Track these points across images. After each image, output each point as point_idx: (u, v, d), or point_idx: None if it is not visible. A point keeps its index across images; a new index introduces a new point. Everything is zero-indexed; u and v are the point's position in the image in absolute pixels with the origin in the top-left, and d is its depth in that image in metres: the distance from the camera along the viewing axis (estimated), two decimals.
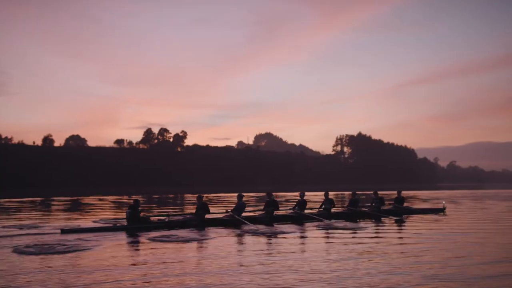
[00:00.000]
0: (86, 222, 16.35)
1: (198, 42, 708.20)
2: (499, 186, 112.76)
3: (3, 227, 14.48)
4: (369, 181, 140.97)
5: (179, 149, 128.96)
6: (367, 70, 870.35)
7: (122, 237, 12.28)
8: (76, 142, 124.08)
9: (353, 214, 17.62)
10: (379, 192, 19.57)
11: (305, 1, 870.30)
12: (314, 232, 13.17)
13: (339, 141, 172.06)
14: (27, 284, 6.73)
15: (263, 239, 11.76)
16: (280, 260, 8.60)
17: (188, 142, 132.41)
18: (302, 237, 12.51)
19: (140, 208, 14.16)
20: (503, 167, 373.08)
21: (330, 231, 13.44)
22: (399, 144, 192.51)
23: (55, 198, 43.52)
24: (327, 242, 11.43)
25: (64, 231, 12.67)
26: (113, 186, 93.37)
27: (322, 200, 17.99)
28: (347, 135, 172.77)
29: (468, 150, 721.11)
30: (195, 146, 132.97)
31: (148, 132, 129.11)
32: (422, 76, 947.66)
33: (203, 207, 14.83)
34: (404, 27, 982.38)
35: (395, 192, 20.50)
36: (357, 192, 19.36)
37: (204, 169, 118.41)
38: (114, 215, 20.21)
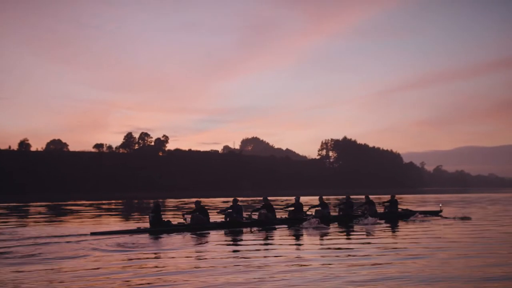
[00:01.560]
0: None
1: (186, 47, 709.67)
2: (485, 190, 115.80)
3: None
4: (354, 185, 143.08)
5: (160, 154, 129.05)
6: (355, 75, 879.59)
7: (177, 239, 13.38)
8: (57, 147, 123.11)
9: (348, 217, 18.68)
10: (352, 196, 20.70)
11: (293, 6, 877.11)
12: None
13: (324, 145, 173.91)
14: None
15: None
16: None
17: (178, 146, 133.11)
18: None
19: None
20: (490, 171, 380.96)
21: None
22: (385, 148, 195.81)
23: (31, 204, 43.78)
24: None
25: (93, 233, 13.73)
26: (91, 191, 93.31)
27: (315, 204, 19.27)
28: (332, 140, 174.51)
29: (455, 155, 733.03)
30: (177, 150, 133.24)
31: (129, 137, 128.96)
32: (409, 81, 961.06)
33: (201, 211, 15.76)
34: (391, 33, 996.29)
35: (389, 196, 21.66)
36: (351, 197, 19.98)
37: (185, 174, 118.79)
38: (81, 224, 20.88)
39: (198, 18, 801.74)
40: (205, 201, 47.68)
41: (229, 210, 16.42)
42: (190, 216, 15.57)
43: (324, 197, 19.22)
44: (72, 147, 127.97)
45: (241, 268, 8.49)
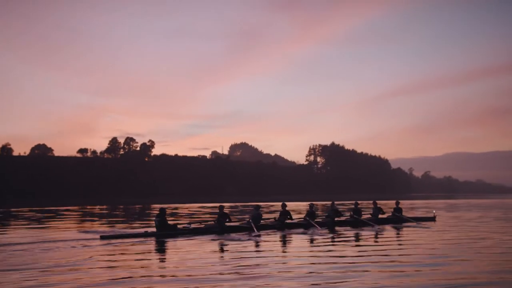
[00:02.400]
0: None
1: (176, 53, 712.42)
2: (473, 196, 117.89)
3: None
4: (342, 191, 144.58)
5: (146, 159, 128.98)
6: (344, 82, 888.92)
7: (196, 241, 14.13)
8: (42, 152, 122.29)
9: (355, 222, 19.75)
10: (337, 202, 21.68)
11: (283, 13, 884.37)
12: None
13: (312, 151, 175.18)
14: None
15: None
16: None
17: (168, 151, 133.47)
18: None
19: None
20: (478, 177, 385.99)
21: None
22: (374, 154, 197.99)
23: (12, 209, 43.77)
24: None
25: (103, 237, 14.31)
26: (75, 196, 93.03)
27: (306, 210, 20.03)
28: (320, 145, 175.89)
29: (444, 161, 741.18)
30: (163, 155, 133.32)
31: (114, 142, 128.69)
32: (398, 87, 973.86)
33: (224, 216, 16.64)
34: (380, 40, 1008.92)
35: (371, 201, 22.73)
36: (335, 202, 21.12)
37: (171, 179, 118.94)
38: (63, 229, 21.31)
39: (187, 24, 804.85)
40: (191, 206, 48.18)
41: (248, 220, 17.43)
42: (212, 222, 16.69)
43: (309, 203, 20.03)
44: (58, 152, 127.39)
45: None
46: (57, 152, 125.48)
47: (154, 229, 15.61)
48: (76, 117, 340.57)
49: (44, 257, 10.77)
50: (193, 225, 16.59)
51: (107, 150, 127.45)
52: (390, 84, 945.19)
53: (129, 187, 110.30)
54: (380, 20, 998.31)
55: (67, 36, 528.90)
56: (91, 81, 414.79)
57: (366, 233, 16.48)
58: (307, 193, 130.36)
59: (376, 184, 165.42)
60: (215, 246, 13.14)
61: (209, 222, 17.12)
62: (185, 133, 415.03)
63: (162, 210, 15.70)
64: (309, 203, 21.00)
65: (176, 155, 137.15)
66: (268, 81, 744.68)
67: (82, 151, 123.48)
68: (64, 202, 64.32)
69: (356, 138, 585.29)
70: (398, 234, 16.65)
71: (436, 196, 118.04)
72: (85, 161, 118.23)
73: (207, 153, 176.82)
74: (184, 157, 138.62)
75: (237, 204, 52.82)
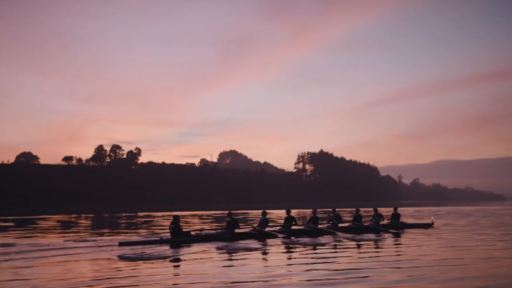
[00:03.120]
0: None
1: (166, 60, 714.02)
2: (461, 204, 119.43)
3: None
4: (330, 198, 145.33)
5: (133, 167, 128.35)
6: (335, 89, 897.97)
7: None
8: (27, 160, 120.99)
9: (357, 229, 20.40)
10: (337, 209, 22.38)
11: (274, 20, 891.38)
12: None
13: (301, 158, 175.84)
14: None
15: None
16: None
17: (158, 159, 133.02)
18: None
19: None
20: (466, 184, 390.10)
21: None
22: (364, 161, 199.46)
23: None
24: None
25: (121, 244, 14.97)
26: (59, 204, 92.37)
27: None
28: (309, 153, 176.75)
29: (433, 168, 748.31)
30: (150, 163, 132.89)
31: (100, 149, 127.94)
32: (388, 95, 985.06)
33: (233, 223, 17.21)
34: (370, 48, 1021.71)
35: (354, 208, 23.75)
36: (318, 210, 21.52)
37: (158, 187, 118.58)
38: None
39: (178, 31, 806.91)
40: (176, 214, 48.18)
41: (255, 226, 18.20)
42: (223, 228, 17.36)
43: (298, 210, 20.34)
44: (45, 160, 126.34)
45: None
46: (43, 160, 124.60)
47: (168, 236, 16.23)
48: (65, 125, 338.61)
49: (77, 266, 11.06)
50: (204, 232, 17.17)
51: (93, 158, 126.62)
52: (380, 92, 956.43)
53: (115, 195, 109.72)
54: (370, 28, 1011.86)
55: (57, 43, 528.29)
56: (81, 88, 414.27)
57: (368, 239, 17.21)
58: (295, 201, 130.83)
59: (364, 192, 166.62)
60: (225, 253, 13.50)
61: (218, 230, 17.65)
62: (175, 141, 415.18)
63: (176, 218, 16.31)
64: (311, 209, 21.36)
65: (163, 163, 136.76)
66: (260, 88, 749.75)
67: (67, 159, 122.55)
68: (48, 211, 63.81)
69: (347, 145, 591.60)
70: (405, 239, 17.24)
71: (425, 204, 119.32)
72: (70, 169, 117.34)
73: (197, 161, 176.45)
74: (172, 164, 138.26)
75: (224, 212, 52.94)
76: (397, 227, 21.52)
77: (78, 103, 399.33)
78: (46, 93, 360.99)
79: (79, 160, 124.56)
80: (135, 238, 17.39)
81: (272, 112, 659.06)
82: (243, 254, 13.06)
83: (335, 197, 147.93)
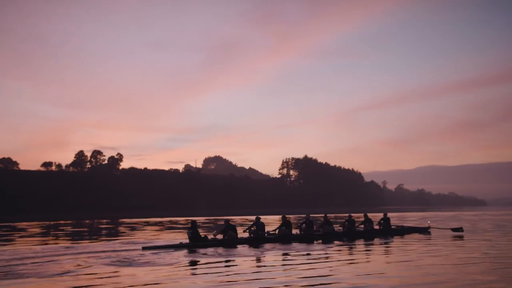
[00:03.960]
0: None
1: (151, 65, 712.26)
2: (445, 209, 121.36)
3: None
4: (315, 204, 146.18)
5: (116, 173, 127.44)
6: (320, 96, 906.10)
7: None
8: (5, 165, 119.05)
9: (350, 233, 21.07)
10: (329, 215, 23.11)
11: (260, 26, 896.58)
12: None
13: (285, 164, 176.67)
14: None
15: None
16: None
17: (143, 165, 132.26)
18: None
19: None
20: (450, 190, 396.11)
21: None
22: (349, 167, 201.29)
23: None
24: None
25: (145, 248, 15.76)
26: (37, 211, 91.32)
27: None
28: (293, 158, 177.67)
29: (417, 174, 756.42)
30: (132, 169, 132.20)
31: (80, 155, 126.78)
32: (373, 101, 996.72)
33: (231, 229, 17.79)
34: (355, 54, 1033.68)
35: (347, 214, 24.35)
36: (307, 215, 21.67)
37: (140, 193, 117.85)
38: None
39: (164, 37, 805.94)
40: (155, 221, 48.26)
41: (253, 228, 18.53)
42: (221, 235, 17.80)
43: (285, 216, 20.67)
44: (25, 166, 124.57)
45: None
46: (23, 166, 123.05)
47: (187, 241, 16.88)
48: (47, 130, 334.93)
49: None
50: (218, 236, 17.68)
51: (73, 164, 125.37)
52: (365, 98, 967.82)
53: (95, 201, 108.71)
54: (355, 35, 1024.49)
55: (40, 47, 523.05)
56: (64, 93, 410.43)
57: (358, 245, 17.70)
58: (279, 207, 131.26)
59: (348, 197, 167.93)
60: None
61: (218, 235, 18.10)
62: (161, 146, 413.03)
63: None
64: (305, 215, 21.62)
65: (145, 169, 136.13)
66: (245, 94, 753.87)
67: (47, 164, 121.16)
68: (25, 217, 63.15)
69: (333, 151, 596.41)
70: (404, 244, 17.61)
71: (409, 209, 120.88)
72: (48, 175, 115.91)
73: (182, 167, 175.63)
74: (154, 170, 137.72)
75: (210, 218, 53.10)
76: (398, 231, 22.56)
77: (62, 108, 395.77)
78: (28, 98, 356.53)
79: (59, 165, 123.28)
80: (157, 242, 18.10)
81: (258, 118, 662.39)
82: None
83: (319, 203, 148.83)
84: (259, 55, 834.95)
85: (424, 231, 23.43)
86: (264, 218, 42.58)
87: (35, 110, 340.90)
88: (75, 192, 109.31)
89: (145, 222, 43.81)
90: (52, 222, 45.70)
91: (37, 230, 31.09)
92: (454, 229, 22.75)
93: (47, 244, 18.64)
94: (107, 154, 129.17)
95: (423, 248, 15.66)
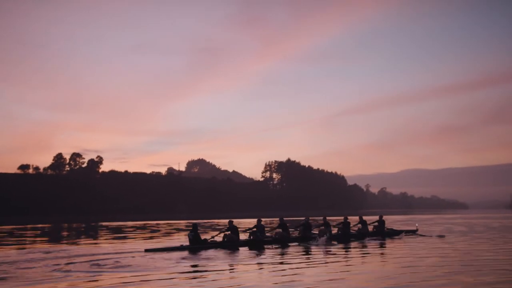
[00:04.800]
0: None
1: (136, 68, 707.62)
2: (427, 212, 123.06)
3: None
4: (297, 207, 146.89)
5: (96, 176, 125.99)
6: (305, 99, 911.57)
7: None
8: None
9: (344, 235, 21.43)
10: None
11: (245, 29, 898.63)
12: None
13: (268, 167, 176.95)
14: None
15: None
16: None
17: (127, 168, 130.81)
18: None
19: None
20: (432, 193, 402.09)
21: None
22: (332, 171, 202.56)
23: None
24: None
25: (147, 250, 16.02)
26: (13, 214, 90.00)
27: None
28: (276, 161, 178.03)
29: (400, 177, 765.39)
30: (112, 172, 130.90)
31: (58, 158, 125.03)
32: (356, 105, 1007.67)
33: (234, 230, 18.06)
34: (338, 59, 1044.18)
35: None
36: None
37: (120, 196, 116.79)
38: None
39: (148, 39, 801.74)
40: (134, 224, 48.00)
41: (254, 229, 18.87)
42: (222, 234, 18.21)
43: (266, 219, 21.04)
44: (4, 169, 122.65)
45: None
46: (2, 169, 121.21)
47: (187, 243, 17.13)
48: (29, 133, 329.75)
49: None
50: (216, 238, 18.01)
51: (51, 167, 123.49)
52: (349, 102, 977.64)
53: (74, 205, 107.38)
54: (339, 39, 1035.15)
55: (24, 50, 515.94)
56: (48, 96, 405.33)
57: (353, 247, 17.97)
58: (262, 210, 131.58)
59: (331, 201, 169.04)
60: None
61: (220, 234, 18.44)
62: (144, 149, 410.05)
63: (195, 226, 17.57)
64: (304, 218, 22.11)
65: (126, 172, 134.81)
66: (230, 97, 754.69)
67: (24, 167, 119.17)
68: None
69: (316, 155, 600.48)
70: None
71: (391, 212, 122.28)
72: (25, 178, 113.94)
73: (166, 170, 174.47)
74: (135, 173, 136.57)
75: (190, 221, 52.97)
76: (389, 233, 23.31)
77: (44, 111, 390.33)
78: (9, 100, 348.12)
79: (37, 168, 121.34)
80: (159, 245, 18.33)
81: (242, 121, 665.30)
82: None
83: (302, 206, 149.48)
84: (244, 59, 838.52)
85: (413, 233, 24.40)
86: (240, 222, 42.89)
87: (17, 113, 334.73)
88: (52, 195, 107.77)
89: (122, 225, 43.57)
90: (29, 226, 45.16)
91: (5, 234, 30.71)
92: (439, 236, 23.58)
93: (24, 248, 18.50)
94: (91, 157, 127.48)
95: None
